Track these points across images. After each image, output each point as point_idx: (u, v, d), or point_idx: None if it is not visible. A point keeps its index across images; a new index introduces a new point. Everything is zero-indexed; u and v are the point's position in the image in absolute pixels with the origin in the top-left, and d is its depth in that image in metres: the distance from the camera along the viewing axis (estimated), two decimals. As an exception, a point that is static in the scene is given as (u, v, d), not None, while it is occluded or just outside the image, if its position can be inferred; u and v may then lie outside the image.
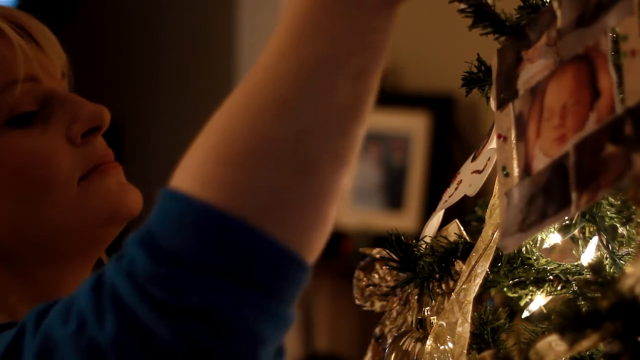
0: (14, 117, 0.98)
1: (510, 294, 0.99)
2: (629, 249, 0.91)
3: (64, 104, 1.01)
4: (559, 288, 0.96)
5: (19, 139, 0.98)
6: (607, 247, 0.92)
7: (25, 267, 1.01)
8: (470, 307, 0.90)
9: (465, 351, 0.90)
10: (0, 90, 0.97)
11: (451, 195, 0.96)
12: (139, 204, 1.03)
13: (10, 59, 0.98)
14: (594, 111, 0.79)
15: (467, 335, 0.90)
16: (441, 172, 3.02)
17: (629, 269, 0.75)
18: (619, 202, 0.91)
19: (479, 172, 0.95)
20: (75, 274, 1.04)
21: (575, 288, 0.94)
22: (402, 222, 3.01)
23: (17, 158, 0.98)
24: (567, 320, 0.74)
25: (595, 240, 0.93)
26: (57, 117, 1.00)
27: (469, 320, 0.90)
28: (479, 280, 0.91)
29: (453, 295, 0.91)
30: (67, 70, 1.05)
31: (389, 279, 1.03)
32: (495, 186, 0.91)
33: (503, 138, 0.88)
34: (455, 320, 0.90)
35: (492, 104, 0.91)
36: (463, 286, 0.91)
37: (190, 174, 0.78)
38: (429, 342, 0.91)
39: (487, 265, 0.91)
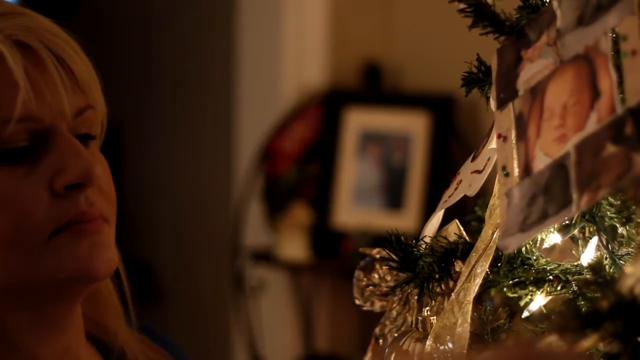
0: (4, 152, 0.95)
1: (510, 294, 0.99)
2: (629, 249, 0.91)
3: (58, 149, 0.96)
4: (558, 288, 0.96)
5: (3, 176, 0.95)
6: (607, 247, 0.92)
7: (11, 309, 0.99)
8: (469, 307, 0.90)
9: (464, 351, 0.90)
10: (1, 123, 0.94)
11: (451, 195, 0.96)
12: (109, 268, 1.00)
13: (7, 98, 0.94)
14: (595, 111, 0.79)
15: (467, 335, 0.90)
16: (441, 172, 3.02)
17: (628, 269, 0.75)
18: (618, 202, 0.91)
19: (478, 172, 0.94)
20: (53, 319, 1.02)
21: (575, 288, 0.94)
22: (402, 222, 3.01)
23: None
24: (566, 320, 0.74)
25: (595, 240, 0.93)
26: (46, 160, 0.96)
27: (469, 321, 0.90)
28: (478, 281, 0.91)
29: (453, 295, 0.91)
30: (98, 100, 1.02)
31: (388, 279, 1.03)
32: (495, 186, 0.91)
33: (503, 138, 0.88)
34: (454, 321, 0.90)
35: (492, 103, 0.91)
36: (462, 286, 0.91)
37: None
38: (428, 342, 0.91)
39: (487, 265, 0.91)
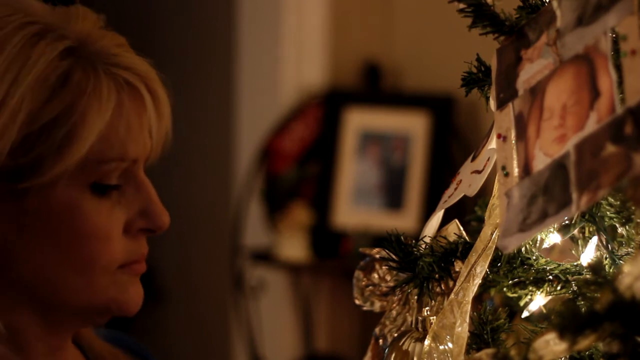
0: (99, 185, 1.02)
1: (509, 294, 0.99)
2: (629, 249, 0.91)
3: (140, 192, 1.05)
4: (558, 288, 0.96)
5: (92, 206, 1.02)
6: (606, 247, 0.92)
7: (14, 304, 1.04)
8: (468, 307, 0.90)
9: (463, 351, 0.90)
10: (107, 161, 1.01)
11: (451, 195, 0.96)
12: (140, 304, 1.09)
13: (132, 140, 1.03)
14: (594, 111, 0.79)
15: (466, 335, 0.90)
16: (441, 172, 3.02)
17: (626, 267, 0.75)
18: (618, 202, 0.91)
19: (478, 172, 0.94)
20: (66, 335, 1.10)
21: (575, 288, 0.94)
22: (402, 222, 3.01)
23: (83, 226, 1.01)
24: (566, 320, 0.74)
25: (594, 240, 0.93)
26: (129, 200, 1.05)
27: (468, 320, 0.90)
28: (477, 280, 0.91)
29: (452, 295, 0.91)
30: (168, 129, 1.09)
31: (388, 279, 1.03)
32: (495, 186, 0.91)
33: (503, 138, 0.88)
34: (454, 320, 0.90)
35: (492, 103, 0.91)
36: (461, 286, 0.91)
37: None
38: (427, 342, 0.91)
39: (486, 265, 0.91)
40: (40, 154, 0.99)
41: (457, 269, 0.93)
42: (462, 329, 0.90)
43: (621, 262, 0.90)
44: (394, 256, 0.94)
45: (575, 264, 0.95)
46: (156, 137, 1.06)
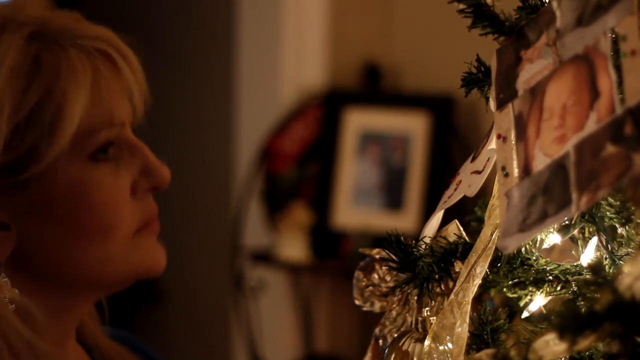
0: (96, 155, 1.03)
1: (509, 295, 0.99)
2: (628, 249, 0.91)
3: (135, 153, 1.07)
4: (558, 288, 0.96)
5: (95, 176, 1.03)
6: (606, 248, 0.92)
7: (49, 284, 1.05)
8: (468, 307, 0.90)
9: (463, 351, 0.90)
10: (97, 129, 1.02)
11: (451, 196, 0.96)
12: (165, 264, 1.11)
13: (116, 104, 1.04)
14: (594, 111, 0.79)
15: (466, 335, 0.90)
16: (441, 172, 3.02)
17: (626, 267, 0.75)
18: (618, 203, 0.91)
19: (478, 172, 0.94)
20: (85, 302, 1.10)
21: (575, 288, 0.94)
22: (402, 222, 3.01)
23: (93, 197, 1.03)
24: (566, 320, 0.74)
25: (594, 240, 0.93)
26: (126, 163, 1.06)
27: (467, 321, 0.90)
28: (477, 281, 0.91)
29: (452, 295, 0.91)
30: (146, 98, 1.10)
31: (388, 279, 1.03)
32: (495, 186, 0.91)
33: (503, 138, 0.88)
34: (453, 321, 0.90)
35: (492, 104, 0.91)
36: (461, 286, 0.91)
37: None
38: (427, 342, 0.91)
39: (486, 265, 0.91)
40: (34, 141, 0.99)
41: (457, 270, 0.93)
42: (462, 329, 0.90)
43: (621, 262, 0.90)
44: (393, 256, 0.94)
45: (575, 264, 0.95)
46: (137, 97, 1.07)
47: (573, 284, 0.94)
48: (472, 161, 0.96)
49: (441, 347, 0.90)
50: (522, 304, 1.00)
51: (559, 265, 0.95)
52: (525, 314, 1.00)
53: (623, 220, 0.91)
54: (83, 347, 1.15)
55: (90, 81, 1.01)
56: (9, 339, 0.99)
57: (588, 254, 0.94)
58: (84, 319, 1.15)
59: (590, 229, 0.93)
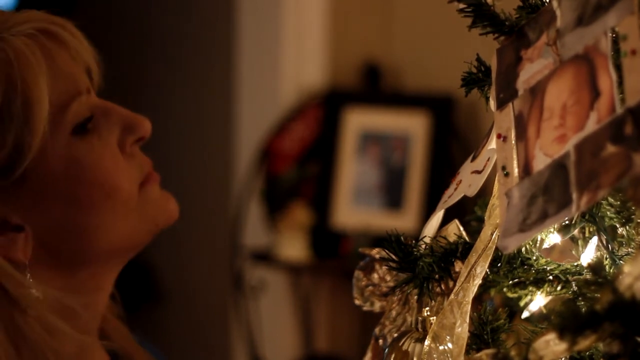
0: (78, 127, 1.04)
1: (509, 294, 0.99)
2: (629, 249, 0.91)
3: (110, 114, 1.07)
4: (558, 288, 0.96)
5: (84, 149, 1.04)
6: (606, 247, 0.91)
7: (73, 268, 1.05)
8: (468, 307, 0.90)
9: (463, 351, 0.90)
10: (68, 102, 1.03)
11: (451, 196, 0.96)
12: (178, 209, 1.13)
13: (76, 73, 1.05)
14: (594, 111, 0.79)
15: (466, 335, 0.90)
16: (441, 172, 3.01)
17: (626, 267, 0.74)
18: (618, 202, 0.91)
19: (478, 172, 0.94)
20: (112, 273, 1.10)
21: (575, 288, 0.94)
22: (402, 222, 3.01)
23: (91, 168, 1.04)
24: (566, 320, 0.74)
25: (594, 240, 0.93)
26: (106, 126, 1.07)
27: (468, 321, 0.90)
28: (477, 281, 0.91)
29: (452, 295, 0.91)
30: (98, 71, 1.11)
31: (388, 279, 1.03)
32: (495, 186, 0.91)
33: (503, 138, 0.88)
34: (454, 321, 0.90)
35: (492, 103, 0.91)
36: (461, 286, 0.91)
37: None
38: (427, 342, 0.90)
39: (486, 265, 0.91)
40: (15, 136, 1.00)
41: (457, 269, 0.93)
42: (462, 329, 0.90)
43: (621, 262, 0.90)
44: (393, 256, 0.94)
45: (575, 264, 0.95)
46: (89, 61, 1.08)
47: (573, 283, 0.94)
48: (472, 161, 0.96)
49: (441, 347, 0.90)
50: (522, 303, 1.00)
51: (559, 265, 0.95)
52: (525, 314, 1.00)
53: (623, 220, 0.90)
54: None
55: (44, 59, 1.02)
56: (55, 341, 1.00)
57: (588, 254, 0.94)
58: (106, 316, 1.15)
59: (591, 229, 0.93)
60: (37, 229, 1.03)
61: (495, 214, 0.91)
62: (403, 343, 0.95)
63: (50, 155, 1.02)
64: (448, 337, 0.90)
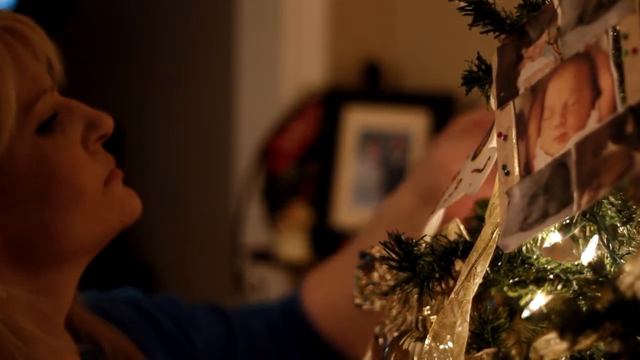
0: (42, 125, 1.04)
1: (510, 293, 0.99)
2: (630, 248, 0.91)
3: (73, 111, 1.07)
4: (559, 287, 0.96)
5: (50, 147, 1.04)
6: (607, 247, 0.91)
7: (41, 267, 1.04)
8: (469, 306, 0.90)
9: (464, 350, 0.90)
10: (33, 101, 1.03)
11: (451, 195, 0.96)
12: (141, 205, 1.12)
13: (40, 71, 1.05)
14: (595, 109, 0.79)
15: (466, 334, 0.90)
16: (441, 172, 3.01)
17: (627, 266, 0.74)
18: (619, 201, 0.90)
19: (479, 171, 0.94)
20: (78, 269, 1.10)
21: (576, 287, 0.94)
22: (402, 221, 3.01)
23: (57, 167, 1.03)
24: (566, 319, 0.73)
25: (595, 239, 0.93)
26: (70, 124, 1.06)
27: (468, 320, 0.90)
28: (478, 280, 0.91)
29: (452, 294, 0.91)
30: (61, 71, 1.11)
31: (388, 278, 1.03)
32: (496, 185, 0.91)
33: (504, 137, 0.88)
34: (454, 320, 0.90)
35: (492, 102, 0.91)
36: (462, 285, 0.91)
37: None
38: (427, 341, 0.90)
39: (487, 264, 0.91)
40: None
41: (457, 268, 0.93)
42: (463, 328, 0.90)
43: (622, 261, 0.90)
44: (394, 255, 0.94)
45: (576, 263, 0.95)
46: (52, 57, 1.08)
47: (574, 282, 0.94)
48: (472, 159, 0.96)
49: (441, 346, 0.90)
50: (522, 303, 1.00)
51: (560, 264, 0.95)
52: (526, 313, 1.00)
53: (624, 219, 0.90)
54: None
55: (8, 58, 1.02)
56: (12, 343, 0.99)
57: (589, 253, 0.94)
58: (72, 308, 1.15)
59: (592, 228, 0.93)
60: (5, 229, 1.02)
61: (495, 213, 0.91)
62: (403, 342, 0.94)
63: (17, 155, 1.02)
64: (448, 336, 0.90)
